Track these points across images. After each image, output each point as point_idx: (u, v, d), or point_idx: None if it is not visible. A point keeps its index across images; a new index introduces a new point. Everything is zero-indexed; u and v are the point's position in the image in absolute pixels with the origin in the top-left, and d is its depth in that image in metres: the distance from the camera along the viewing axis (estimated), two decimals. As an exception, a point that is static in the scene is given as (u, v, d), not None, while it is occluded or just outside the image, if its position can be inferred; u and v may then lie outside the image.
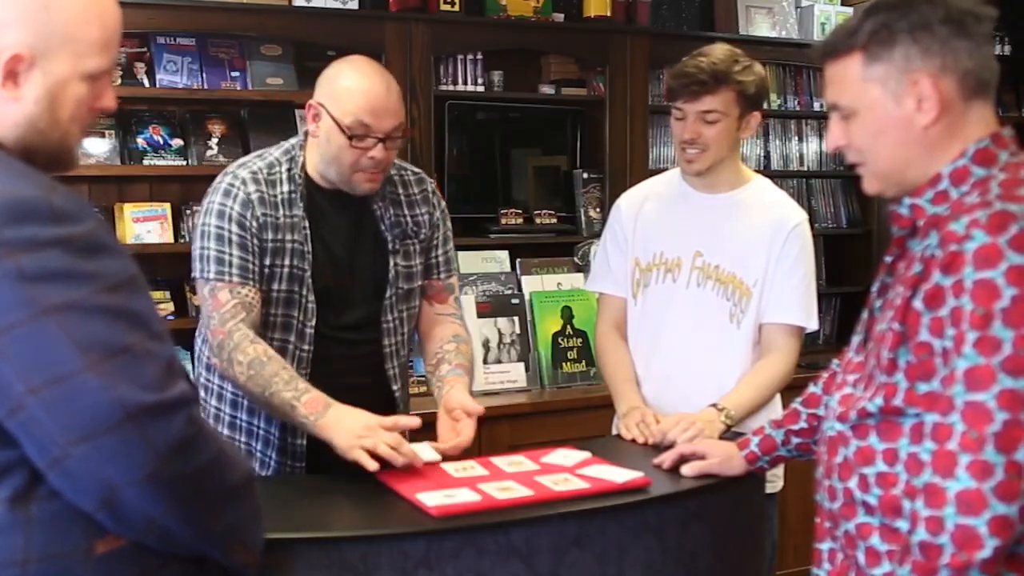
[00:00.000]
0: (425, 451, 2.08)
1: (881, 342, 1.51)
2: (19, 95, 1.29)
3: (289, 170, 2.26)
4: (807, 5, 4.50)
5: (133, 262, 1.27)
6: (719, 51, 2.44)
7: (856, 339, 1.65)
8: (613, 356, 2.61)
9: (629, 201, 2.66)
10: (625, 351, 2.61)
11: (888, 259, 1.62)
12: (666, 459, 2.13)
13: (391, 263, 2.33)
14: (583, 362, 3.85)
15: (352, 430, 2.00)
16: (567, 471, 2.06)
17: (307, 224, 2.25)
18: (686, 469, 2.07)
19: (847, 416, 1.55)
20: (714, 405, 2.36)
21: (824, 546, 1.64)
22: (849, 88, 1.54)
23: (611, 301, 2.65)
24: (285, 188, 2.25)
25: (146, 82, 3.38)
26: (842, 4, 4.59)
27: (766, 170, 4.36)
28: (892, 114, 1.51)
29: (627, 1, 4.09)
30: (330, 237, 2.29)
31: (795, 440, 1.96)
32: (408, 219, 2.37)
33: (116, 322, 1.19)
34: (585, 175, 4.05)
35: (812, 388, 1.94)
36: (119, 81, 3.28)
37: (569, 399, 3.68)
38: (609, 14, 4.03)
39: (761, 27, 4.44)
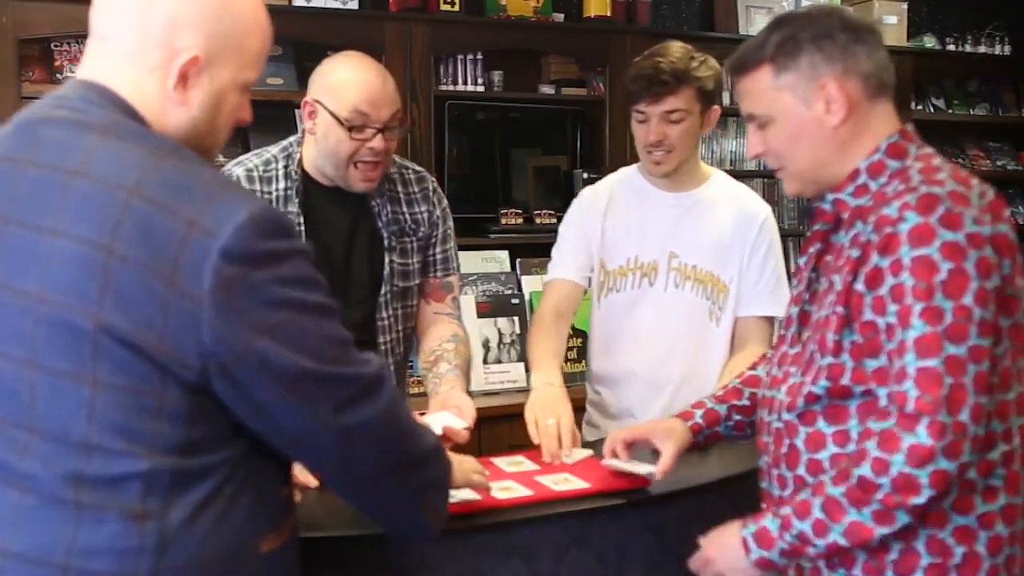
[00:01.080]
0: (453, 420, 2.08)
1: (825, 327, 1.57)
2: (187, 98, 1.31)
3: (286, 167, 2.27)
4: (807, 5, 4.50)
5: None
6: (675, 50, 2.43)
7: (788, 333, 1.70)
8: (543, 333, 2.48)
9: (592, 196, 2.62)
10: (559, 334, 2.50)
11: (801, 260, 1.72)
12: (607, 455, 2.02)
13: (386, 260, 2.33)
14: (582, 362, 3.84)
15: None
16: (567, 471, 2.07)
17: (302, 220, 2.25)
18: (659, 475, 1.95)
19: (795, 404, 1.60)
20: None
21: None
22: (763, 98, 1.64)
23: (560, 286, 2.56)
24: (281, 185, 2.25)
25: (146, 82, 3.38)
26: (841, 4, 4.59)
27: (764, 170, 4.36)
28: (804, 117, 1.60)
29: (627, 1, 4.09)
30: (326, 234, 2.29)
31: (736, 417, 1.95)
32: (407, 216, 2.37)
33: (336, 319, 1.35)
34: (585, 175, 4.04)
35: (751, 371, 1.97)
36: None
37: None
38: (609, 14, 4.03)
39: (761, 27, 4.43)
